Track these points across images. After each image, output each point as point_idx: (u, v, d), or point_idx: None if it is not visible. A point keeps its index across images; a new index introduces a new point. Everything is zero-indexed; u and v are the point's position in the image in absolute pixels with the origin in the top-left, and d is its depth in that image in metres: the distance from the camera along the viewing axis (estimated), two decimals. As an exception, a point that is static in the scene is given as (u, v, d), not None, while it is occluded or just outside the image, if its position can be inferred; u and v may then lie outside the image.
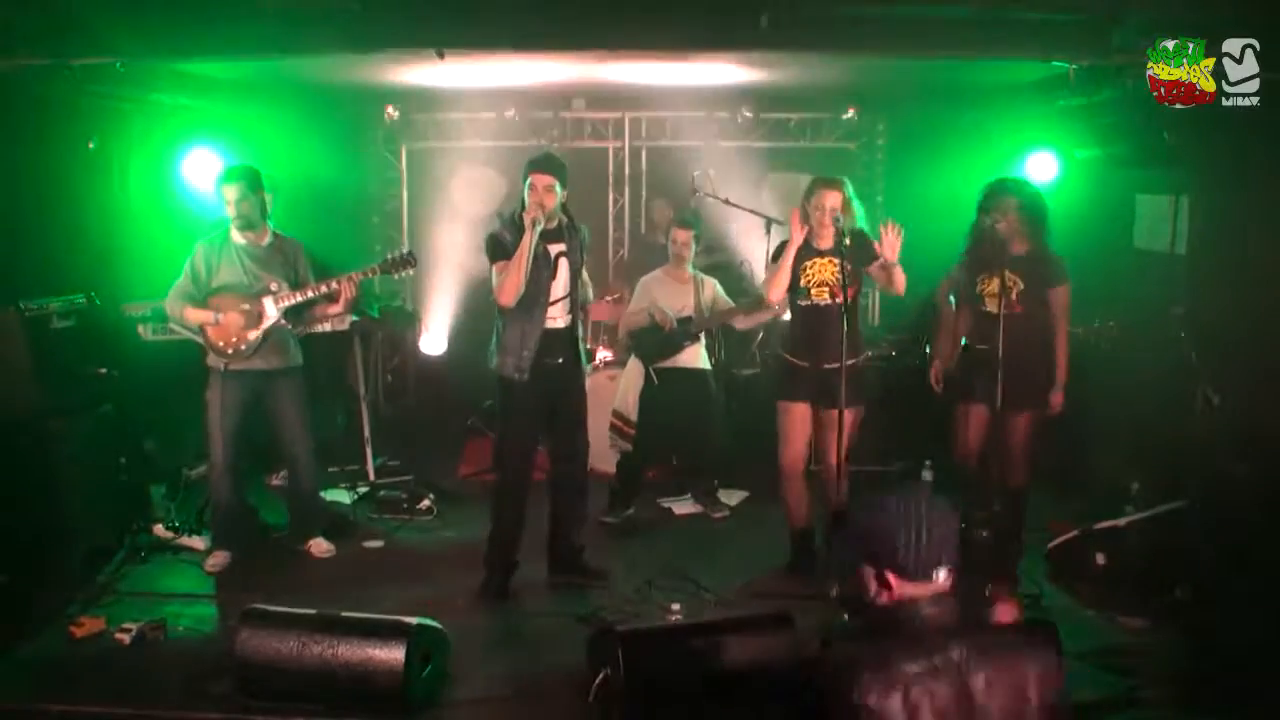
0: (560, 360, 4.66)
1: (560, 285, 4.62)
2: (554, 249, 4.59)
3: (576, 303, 4.71)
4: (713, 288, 5.90)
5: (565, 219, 4.67)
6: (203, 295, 4.87)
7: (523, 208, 4.48)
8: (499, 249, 4.52)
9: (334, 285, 4.87)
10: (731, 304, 5.88)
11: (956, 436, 4.92)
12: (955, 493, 4.83)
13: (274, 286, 4.88)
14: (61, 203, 5.57)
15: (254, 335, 4.86)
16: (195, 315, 4.87)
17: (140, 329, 5.84)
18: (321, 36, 4.76)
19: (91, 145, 5.71)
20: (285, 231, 5.12)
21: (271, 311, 4.87)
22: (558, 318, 4.64)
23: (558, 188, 4.48)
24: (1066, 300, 4.81)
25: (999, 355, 4.56)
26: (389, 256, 4.98)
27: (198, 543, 5.18)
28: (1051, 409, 4.80)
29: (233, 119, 6.83)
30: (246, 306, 4.85)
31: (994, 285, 4.70)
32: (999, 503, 4.92)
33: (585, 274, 4.85)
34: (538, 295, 4.54)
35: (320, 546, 5.22)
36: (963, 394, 4.88)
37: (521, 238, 4.42)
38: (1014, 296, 4.67)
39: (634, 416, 6.03)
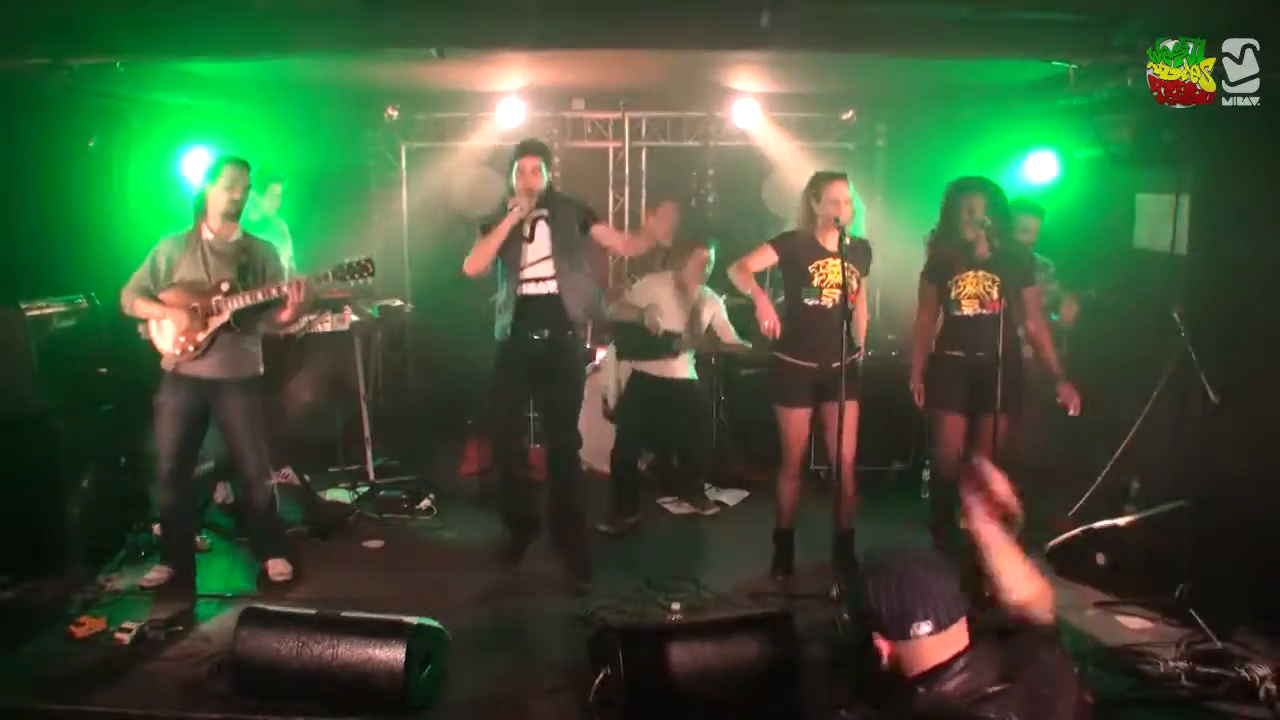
0: (545, 330, 4.73)
1: (539, 248, 4.74)
2: (533, 213, 4.73)
3: (565, 271, 4.73)
4: (714, 312, 5.83)
5: (550, 192, 4.83)
6: (159, 290, 4.59)
7: (510, 193, 4.69)
8: (484, 228, 4.77)
9: (284, 289, 4.51)
10: (731, 335, 5.85)
11: (939, 447, 4.86)
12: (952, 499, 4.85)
13: (225, 286, 4.53)
14: (61, 203, 5.56)
15: (202, 336, 4.52)
16: (143, 309, 4.58)
17: (140, 329, 5.82)
18: (321, 36, 4.74)
19: (91, 144, 5.70)
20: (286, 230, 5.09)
21: (220, 312, 4.52)
22: (538, 281, 4.72)
23: (543, 168, 4.74)
24: (1039, 300, 4.88)
25: (975, 358, 4.59)
26: (344, 263, 4.65)
27: (198, 543, 5.14)
28: (1064, 402, 4.67)
29: (232, 118, 6.82)
30: (196, 305, 4.52)
31: (969, 286, 4.72)
32: None
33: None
34: (516, 260, 4.71)
35: (277, 568, 4.85)
36: (940, 403, 4.82)
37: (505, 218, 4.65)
38: (994, 294, 4.69)
39: (612, 401, 6.21)
